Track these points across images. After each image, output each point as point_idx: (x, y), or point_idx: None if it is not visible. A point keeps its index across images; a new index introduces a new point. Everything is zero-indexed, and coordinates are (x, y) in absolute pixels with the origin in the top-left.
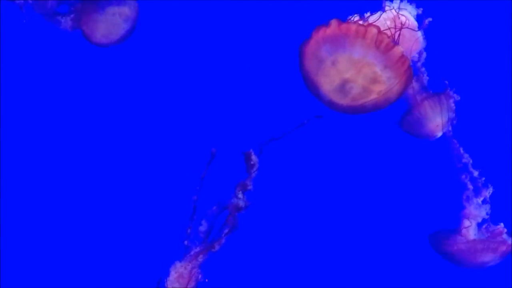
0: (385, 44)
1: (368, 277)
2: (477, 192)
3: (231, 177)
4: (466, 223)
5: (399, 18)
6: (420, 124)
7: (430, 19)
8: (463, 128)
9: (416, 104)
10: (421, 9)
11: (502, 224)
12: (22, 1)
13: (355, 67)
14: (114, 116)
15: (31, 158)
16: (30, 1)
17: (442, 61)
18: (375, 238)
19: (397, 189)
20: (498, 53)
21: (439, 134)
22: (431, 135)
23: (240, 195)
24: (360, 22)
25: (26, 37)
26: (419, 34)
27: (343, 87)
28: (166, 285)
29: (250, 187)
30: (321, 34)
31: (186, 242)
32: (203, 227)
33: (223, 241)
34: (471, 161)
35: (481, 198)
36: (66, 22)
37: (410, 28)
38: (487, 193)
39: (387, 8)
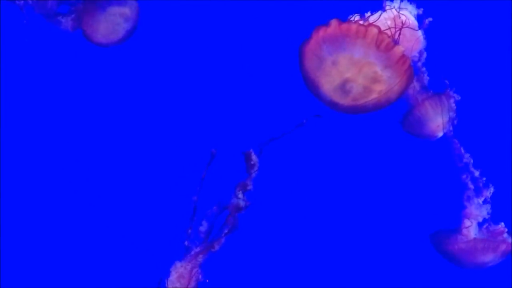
0: (386, 44)
1: (368, 277)
2: (478, 192)
3: (231, 177)
4: (467, 223)
5: (399, 18)
6: (421, 124)
7: (431, 19)
8: (464, 128)
9: (417, 104)
10: (422, 9)
11: (502, 224)
12: (22, 2)
13: (356, 66)
14: (115, 116)
15: (31, 158)
16: (30, 2)
17: (443, 61)
18: (376, 238)
19: (397, 189)
20: (499, 53)
21: (440, 134)
22: (432, 135)
23: (240, 195)
24: (361, 22)
25: (27, 37)
26: (420, 33)
27: (343, 86)
28: (166, 285)
29: (250, 187)
30: (321, 34)
31: (186, 243)
32: (203, 227)
33: (222, 241)
34: (472, 161)
35: (482, 198)
36: (67, 22)
37: (410, 28)
38: (488, 193)
39: (387, 7)
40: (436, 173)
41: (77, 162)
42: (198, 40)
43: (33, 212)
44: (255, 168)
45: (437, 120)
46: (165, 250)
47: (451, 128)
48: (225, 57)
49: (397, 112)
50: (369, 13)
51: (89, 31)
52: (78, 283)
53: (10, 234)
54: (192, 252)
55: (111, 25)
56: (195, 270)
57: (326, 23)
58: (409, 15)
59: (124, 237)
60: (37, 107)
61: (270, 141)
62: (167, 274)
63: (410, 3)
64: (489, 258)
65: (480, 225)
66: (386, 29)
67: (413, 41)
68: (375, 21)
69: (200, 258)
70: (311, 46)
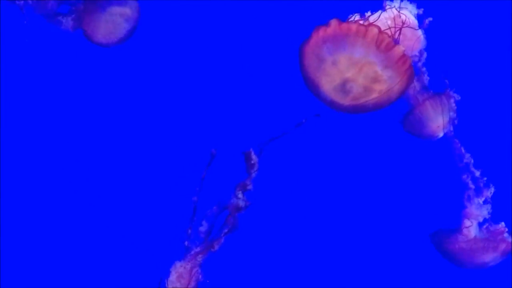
0: (386, 44)
1: (368, 277)
2: (478, 191)
3: (231, 177)
4: (467, 222)
5: (399, 17)
6: (422, 124)
7: (431, 18)
8: (464, 128)
9: (417, 104)
10: (422, 9)
11: (503, 224)
12: (22, 2)
13: (356, 66)
14: (115, 116)
15: (31, 158)
16: (30, 2)
17: (443, 61)
18: (376, 238)
19: (398, 189)
20: (499, 53)
21: (441, 134)
22: (432, 135)
23: (240, 195)
24: (361, 21)
25: (27, 37)
26: (420, 33)
27: (343, 86)
28: (166, 285)
29: (250, 187)
30: (321, 34)
31: (186, 243)
32: (203, 228)
33: (222, 241)
34: (472, 161)
35: (482, 198)
36: (67, 22)
37: (410, 27)
38: (489, 193)
39: (387, 7)
40: (436, 173)
41: (77, 162)
42: (198, 40)
43: (33, 212)
44: (255, 168)
45: (438, 120)
46: (165, 250)
47: (451, 128)
48: (225, 57)
49: (398, 112)
50: (369, 13)
51: (89, 31)
52: (78, 283)
53: (10, 234)
54: (192, 252)
55: (111, 25)
56: (195, 270)
57: (326, 23)
58: (409, 14)
59: (124, 237)
60: (37, 107)
61: (270, 141)
62: (167, 274)
63: (410, 3)
64: (489, 257)
65: (480, 225)
66: (386, 29)
67: (414, 41)
68: (375, 21)
69: (200, 258)
70: (311, 46)
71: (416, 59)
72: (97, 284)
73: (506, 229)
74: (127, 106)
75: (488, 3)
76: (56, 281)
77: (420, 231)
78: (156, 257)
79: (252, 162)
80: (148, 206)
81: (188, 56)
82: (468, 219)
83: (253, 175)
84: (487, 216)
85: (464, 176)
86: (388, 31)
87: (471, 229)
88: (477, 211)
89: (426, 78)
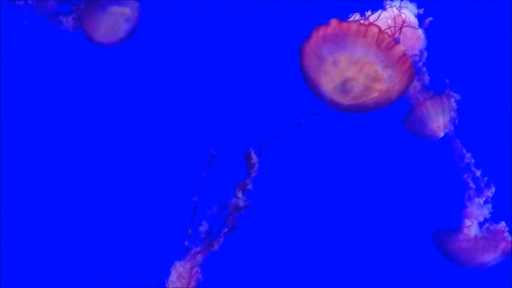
0: (386, 43)
1: (368, 277)
2: (479, 191)
3: (231, 177)
4: (468, 222)
5: (400, 17)
6: (422, 124)
7: (431, 18)
8: (465, 128)
9: (418, 104)
10: (422, 9)
11: (503, 223)
12: (23, 2)
13: (356, 66)
14: (115, 116)
15: (31, 158)
16: (31, 2)
17: (443, 61)
18: (376, 238)
19: (398, 188)
20: (499, 53)
21: (442, 134)
22: (433, 135)
23: (240, 195)
24: (361, 21)
25: (27, 37)
26: (420, 32)
27: (344, 86)
28: (166, 285)
29: (249, 187)
30: (321, 33)
31: (186, 243)
32: (203, 228)
33: (221, 240)
34: (473, 161)
35: (483, 198)
36: (68, 22)
37: (411, 27)
38: (489, 192)
39: (388, 6)
40: (437, 172)
41: (77, 162)
42: (199, 40)
43: (33, 212)
44: (255, 168)
45: (438, 120)
46: (165, 250)
47: (452, 128)
48: (225, 57)
49: (398, 112)
50: (369, 12)
51: (90, 31)
52: (78, 283)
53: (10, 234)
54: (192, 252)
55: (112, 25)
56: (195, 269)
57: (326, 23)
58: (409, 14)
59: (124, 237)
60: (38, 107)
61: (270, 141)
62: (167, 274)
63: (411, 2)
64: (489, 257)
65: (481, 224)
66: (387, 28)
67: (414, 40)
68: (375, 20)
69: (200, 258)
70: (311, 46)
71: (417, 58)
72: (97, 284)
73: (507, 229)
74: (127, 106)
75: (488, 3)
76: (56, 281)
77: (420, 231)
78: (156, 257)
79: (252, 161)
80: (148, 206)
81: (188, 56)
82: (469, 218)
83: (253, 175)
84: (488, 216)
85: (465, 176)
86: (389, 31)
87: (471, 228)
88: (477, 211)
89: (426, 78)
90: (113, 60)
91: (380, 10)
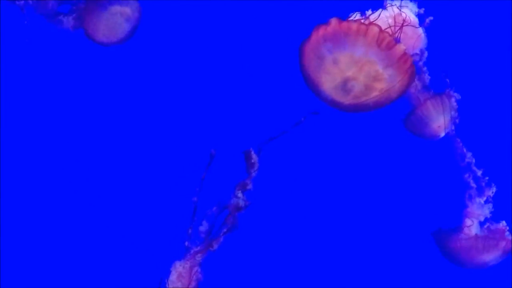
0: (387, 43)
1: (368, 277)
2: (479, 191)
3: (231, 177)
4: (468, 222)
5: (400, 16)
6: (423, 124)
7: (431, 18)
8: (465, 127)
9: (418, 104)
10: (423, 9)
11: (504, 222)
12: (23, 2)
13: (357, 65)
14: (116, 116)
15: (31, 158)
16: (31, 2)
17: (444, 60)
18: (377, 237)
19: (399, 188)
20: (500, 52)
21: (442, 134)
22: (434, 135)
23: (240, 195)
24: (361, 20)
25: (27, 37)
26: (421, 31)
27: (344, 85)
28: (166, 285)
29: (249, 187)
30: (321, 32)
31: (186, 243)
32: (203, 227)
33: (221, 240)
34: (473, 160)
35: (484, 197)
36: (68, 21)
37: (411, 26)
38: (490, 192)
39: (388, 5)
40: (438, 172)
41: (77, 161)
42: (199, 39)
43: (33, 212)
44: (255, 168)
45: (439, 120)
46: (165, 250)
47: (453, 128)
48: (225, 56)
49: (399, 112)
50: (370, 11)
51: (90, 31)
52: (78, 283)
53: (10, 234)
54: (191, 251)
55: (112, 25)
56: (195, 269)
57: (326, 22)
58: (409, 13)
59: (124, 237)
60: (38, 107)
61: (270, 141)
62: (167, 274)
63: (411, 1)
64: (490, 257)
65: (481, 224)
66: (387, 28)
67: (415, 39)
68: (375, 20)
69: (199, 257)
70: (311, 45)
71: (417, 58)
72: (97, 284)
73: (507, 228)
74: (127, 106)
75: (489, 3)
76: (56, 281)
77: (420, 231)
78: (156, 257)
79: (252, 161)
80: (148, 206)
81: (188, 56)
82: (469, 218)
83: (253, 174)
84: (488, 216)
85: (466, 175)
86: (389, 30)
87: (472, 228)
88: (478, 210)
89: (427, 77)
90: (114, 60)
91: (380, 9)
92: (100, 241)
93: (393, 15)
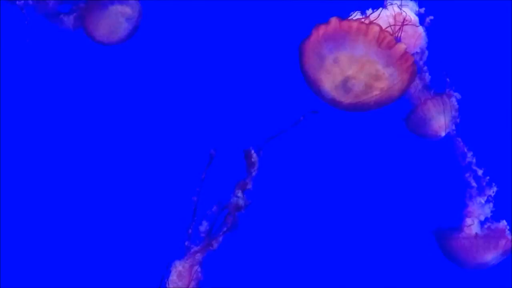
0: (387, 42)
1: (368, 276)
2: (480, 190)
3: (231, 176)
4: (469, 221)
5: (400, 15)
6: (424, 123)
7: (432, 17)
8: (466, 127)
9: (419, 104)
10: (424, 8)
11: (504, 221)
12: (23, 2)
13: (357, 64)
14: (116, 115)
15: (31, 157)
16: (31, 2)
17: (444, 60)
18: (377, 237)
19: (399, 187)
20: (501, 51)
21: (443, 133)
22: (435, 134)
23: (240, 194)
24: (362, 19)
25: (28, 37)
26: (421, 30)
27: (345, 84)
28: (167, 285)
29: (249, 186)
30: (321, 32)
31: (187, 243)
32: (203, 227)
33: (220, 239)
34: (474, 160)
35: (485, 197)
36: (68, 21)
37: (412, 24)
38: (491, 191)
39: (388, 4)
40: (438, 171)
41: (77, 161)
42: (199, 38)
43: (33, 212)
44: (255, 167)
45: (440, 119)
46: (165, 250)
47: (453, 127)
48: (225, 55)
49: (400, 111)
50: (370, 11)
51: (90, 30)
52: (78, 283)
53: (10, 234)
54: (191, 251)
55: (112, 24)
56: (195, 268)
57: (326, 21)
58: (410, 12)
59: (124, 237)
60: (38, 107)
61: (269, 140)
62: (168, 273)
63: (411, 0)
64: (490, 256)
65: (482, 223)
66: (388, 26)
67: (415, 38)
68: (376, 19)
69: (199, 257)
70: (311, 44)
71: (418, 57)
72: (97, 284)
73: (508, 227)
74: (127, 105)
75: (489, 2)
76: (56, 281)
77: (421, 230)
78: (156, 257)
79: (252, 160)
80: (148, 206)
81: (188, 55)
82: (470, 217)
83: (253, 173)
84: (489, 215)
85: (467, 175)
86: (389, 29)
87: (472, 227)
88: (479, 210)
89: (427, 77)
90: (114, 60)
91: (380, 8)
92: (100, 241)
93: (394, 14)
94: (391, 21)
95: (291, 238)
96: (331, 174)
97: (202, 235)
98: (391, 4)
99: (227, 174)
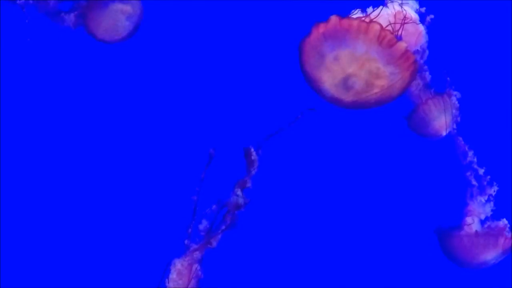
0: (388, 40)
1: (368, 276)
2: (481, 189)
3: (231, 175)
4: (469, 220)
5: (401, 13)
6: (425, 123)
7: (432, 16)
8: (467, 126)
9: (420, 103)
10: (424, 8)
11: (504, 220)
12: (23, 1)
13: (358, 62)
14: (116, 114)
15: (31, 157)
16: (31, 1)
17: (445, 59)
18: (377, 236)
19: (400, 186)
20: (501, 51)
21: (444, 133)
22: (436, 134)
23: (239, 193)
24: (362, 17)
25: (28, 36)
26: (422, 28)
27: (345, 82)
28: (167, 284)
29: (249, 185)
30: (321, 30)
31: (186, 241)
32: (203, 226)
33: (219, 237)
34: (475, 159)
35: (485, 196)
36: (69, 19)
37: (412, 23)
38: (492, 191)
39: (389, 3)
40: (439, 170)
41: (77, 160)
42: (200, 37)
43: (33, 212)
44: (255, 165)
45: (441, 119)
46: (165, 249)
47: (454, 126)
48: (225, 53)
49: (400, 110)
50: (370, 9)
51: (91, 28)
52: (78, 283)
53: (10, 234)
54: (190, 249)
55: (113, 22)
56: (194, 267)
57: (326, 19)
58: (410, 10)
59: (124, 236)
60: (39, 106)
61: (269, 138)
62: (167, 273)
63: None
64: (490, 255)
65: (482, 222)
66: (388, 25)
67: (416, 36)
68: (376, 17)
69: (198, 255)
70: (311, 43)
71: (418, 55)
72: (97, 284)
73: (508, 226)
74: (128, 104)
75: (489, 2)
76: (56, 281)
77: (421, 229)
78: (156, 256)
79: (252, 158)
80: (148, 206)
81: (189, 53)
82: (470, 216)
83: (253, 172)
84: (489, 214)
85: (467, 174)
86: (390, 27)
87: (472, 226)
88: (479, 209)
89: (428, 76)
90: (115, 58)
91: (381, 7)
92: (100, 241)
93: (394, 13)
94: (392, 19)
95: (290, 237)
96: (332, 173)
97: (202, 233)
98: (392, 2)
99: (226, 172)
